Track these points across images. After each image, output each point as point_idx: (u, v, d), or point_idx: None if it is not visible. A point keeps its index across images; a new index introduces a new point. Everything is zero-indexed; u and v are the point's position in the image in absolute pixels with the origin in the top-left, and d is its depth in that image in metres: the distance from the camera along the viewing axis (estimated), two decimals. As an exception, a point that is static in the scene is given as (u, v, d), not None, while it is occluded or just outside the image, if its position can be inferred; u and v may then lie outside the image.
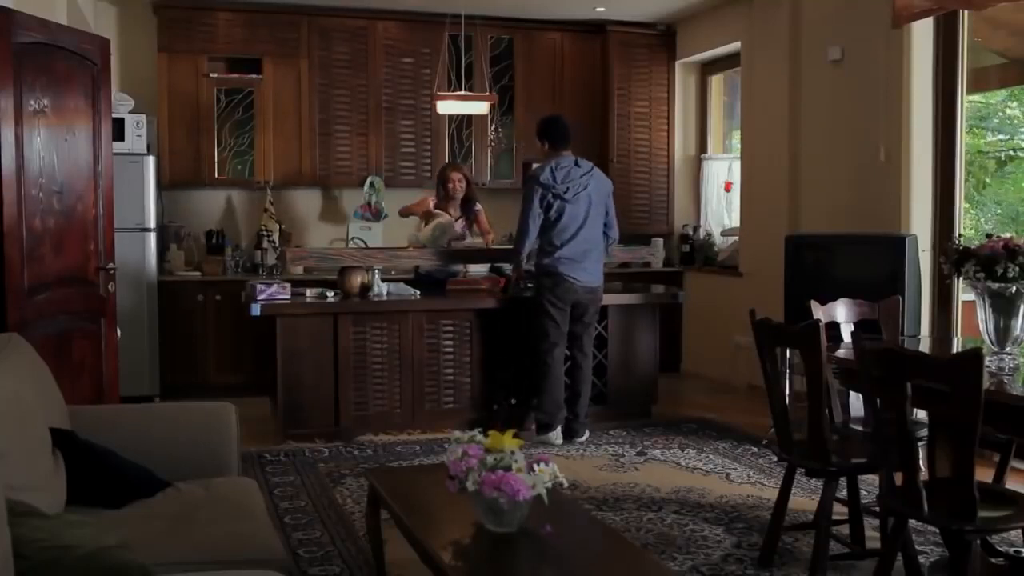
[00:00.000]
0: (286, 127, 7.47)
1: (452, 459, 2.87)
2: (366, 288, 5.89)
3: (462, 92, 7.19)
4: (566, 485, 2.86)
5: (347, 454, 5.39)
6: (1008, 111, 9.73)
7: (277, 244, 7.28)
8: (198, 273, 7.17)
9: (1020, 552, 3.49)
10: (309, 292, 5.85)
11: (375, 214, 7.69)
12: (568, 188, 5.59)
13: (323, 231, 7.83)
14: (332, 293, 5.84)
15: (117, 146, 6.58)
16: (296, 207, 7.72)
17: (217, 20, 7.29)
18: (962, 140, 5.72)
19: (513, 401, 6.02)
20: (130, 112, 6.72)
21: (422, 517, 3.03)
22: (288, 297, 5.72)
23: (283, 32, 7.43)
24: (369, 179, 7.64)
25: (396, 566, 3.51)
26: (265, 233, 7.31)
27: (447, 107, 6.97)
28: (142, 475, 3.07)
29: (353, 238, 7.65)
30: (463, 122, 7.87)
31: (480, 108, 7.15)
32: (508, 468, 2.79)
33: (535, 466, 2.79)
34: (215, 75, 7.32)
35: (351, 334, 5.74)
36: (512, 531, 2.76)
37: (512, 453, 2.85)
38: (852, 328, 4.01)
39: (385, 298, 5.89)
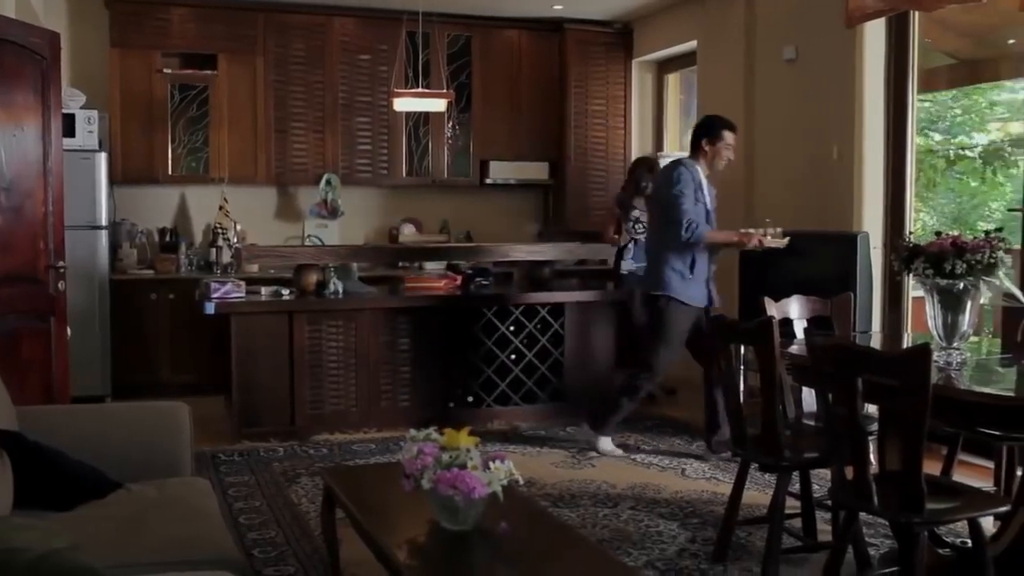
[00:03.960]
0: (241, 124, 7.40)
1: (407, 457, 2.86)
2: (322, 286, 5.85)
3: (419, 89, 7.17)
4: (522, 482, 2.86)
5: (302, 453, 5.36)
6: (957, 111, 9.89)
7: (232, 242, 7.20)
8: (151, 271, 7.08)
9: (966, 543, 3.55)
10: (264, 290, 5.80)
11: (331, 212, 7.65)
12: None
13: (279, 229, 7.77)
14: (287, 291, 5.80)
15: (68, 142, 6.46)
16: (252, 205, 7.64)
17: (171, 15, 7.20)
18: (913, 139, 5.81)
19: (470, 399, 6.02)
20: (81, 108, 6.62)
21: (377, 516, 3.01)
22: (243, 295, 5.67)
23: (238, 28, 7.36)
24: (325, 177, 7.59)
25: (351, 565, 3.50)
26: (220, 231, 7.23)
27: (404, 104, 6.95)
28: (92, 476, 3.03)
29: (309, 236, 7.61)
30: (420, 119, 7.85)
31: (437, 106, 7.14)
32: (463, 466, 2.78)
33: (490, 464, 2.79)
34: (169, 71, 7.23)
35: (306, 332, 5.70)
36: (468, 529, 2.76)
37: (468, 451, 2.84)
38: (805, 324, 4.06)
39: (341, 296, 5.85)
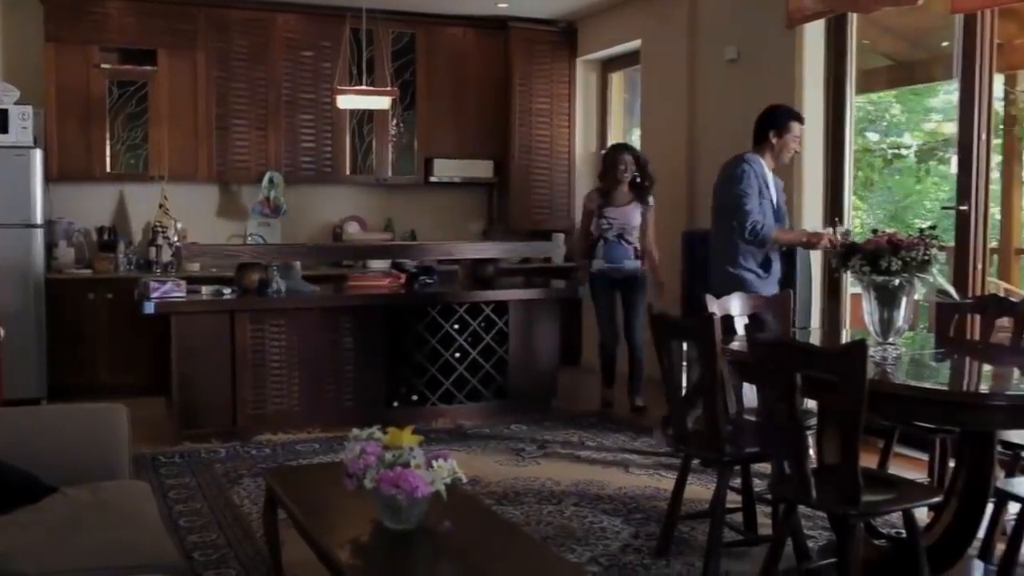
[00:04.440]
0: (182, 121, 7.29)
1: (350, 457, 2.85)
2: (264, 285, 5.79)
3: (363, 87, 7.12)
4: (465, 481, 2.86)
5: (244, 454, 5.30)
6: (894, 111, 10.09)
7: (172, 241, 7.09)
8: (89, 271, 6.95)
9: (901, 534, 3.62)
10: (205, 289, 5.72)
11: (274, 210, 7.57)
12: None
13: (221, 227, 7.66)
14: (229, 290, 5.73)
15: (1, 139, 6.36)
16: (192, 203, 7.52)
17: (108, 9, 7.07)
18: (851, 139, 5.91)
19: (414, 398, 6.00)
20: (15, 103, 6.46)
21: (319, 516, 2.99)
22: (183, 295, 5.59)
23: (178, 23, 7.25)
24: (268, 174, 7.51)
25: (294, 566, 3.46)
26: (160, 229, 7.12)
27: (347, 102, 6.90)
28: (27, 480, 2.96)
29: (251, 234, 7.52)
30: (364, 117, 7.80)
31: (381, 103, 7.10)
32: (406, 465, 2.78)
33: (433, 462, 2.79)
34: (107, 66, 7.10)
35: (249, 332, 5.64)
36: (411, 528, 2.75)
37: (411, 450, 2.84)
38: (746, 321, 4.11)
39: (284, 295, 5.80)
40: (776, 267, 4.97)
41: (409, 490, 2.68)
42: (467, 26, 8.08)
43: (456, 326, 6.06)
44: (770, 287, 4.85)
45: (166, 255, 7.07)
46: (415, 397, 6.02)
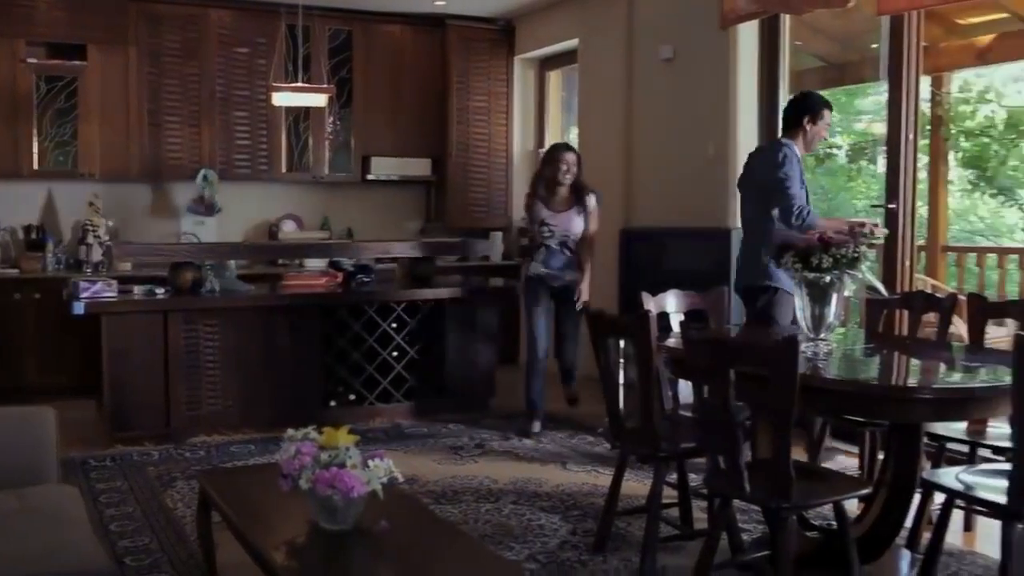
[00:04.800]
0: (113, 117, 7.14)
1: (285, 457, 2.82)
2: (198, 284, 5.70)
3: (299, 84, 7.05)
4: (402, 480, 2.85)
5: (178, 456, 5.21)
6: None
7: (103, 240, 6.95)
8: (15, 270, 6.78)
9: (833, 525, 3.69)
10: (137, 289, 5.61)
11: (208, 208, 7.46)
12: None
13: (153, 226, 7.52)
14: (162, 290, 5.63)
15: (-79, 135, 6.16)
16: (124, 201, 7.38)
17: (36, 2, 6.89)
18: (784, 138, 6.00)
19: (352, 397, 5.96)
20: (-63, 98, 6.28)
21: (254, 518, 2.96)
22: (114, 294, 5.48)
23: (109, 17, 7.09)
24: (202, 172, 7.40)
25: (228, 569, 3.41)
26: (90, 228, 6.97)
27: (283, 99, 6.82)
28: (-52, 485, 2.88)
29: (185, 233, 7.40)
30: (300, 114, 7.72)
31: (317, 100, 7.04)
32: (342, 465, 2.76)
33: (370, 462, 2.78)
34: (34, 60, 6.92)
35: (182, 332, 5.55)
36: (347, 528, 2.74)
37: (347, 449, 2.82)
38: (681, 318, 4.16)
39: (218, 294, 5.71)
40: None
41: (345, 490, 2.66)
42: (404, 23, 8.05)
43: (394, 325, 6.03)
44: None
45: (96, 254, 6.93)
46: (352, 396, 5.98)
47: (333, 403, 5.91)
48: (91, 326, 5.60)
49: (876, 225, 4.63)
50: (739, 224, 5.79)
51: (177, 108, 7.35)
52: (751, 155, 5.04)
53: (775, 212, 4.63)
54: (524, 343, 6.61)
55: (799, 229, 4.52)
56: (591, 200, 5.75)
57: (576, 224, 5.70)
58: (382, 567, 2.69)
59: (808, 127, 4.78)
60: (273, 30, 7.25)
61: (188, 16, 7.35)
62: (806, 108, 4.79)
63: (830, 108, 4.88)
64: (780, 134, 4.90)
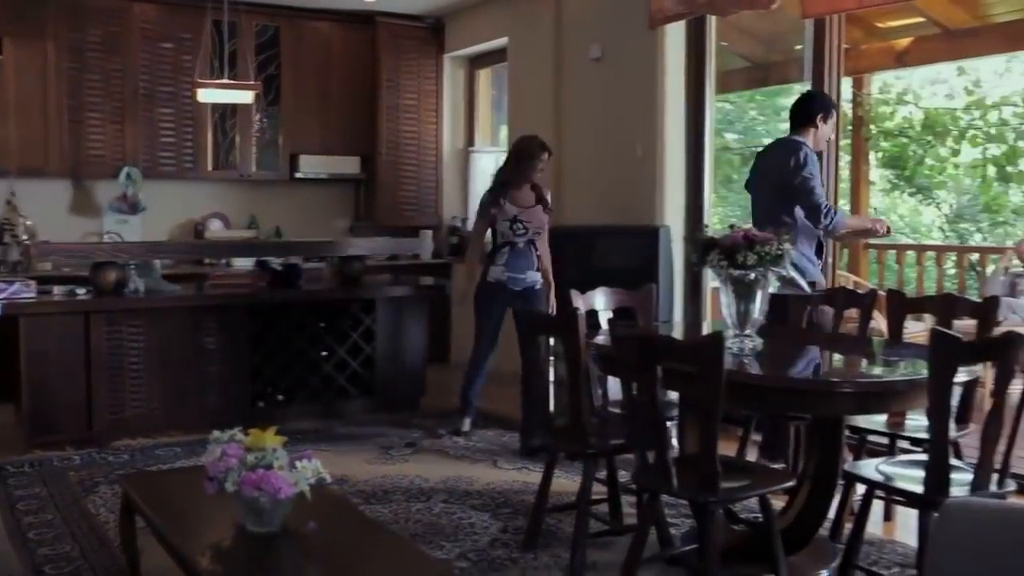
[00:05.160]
0: (31, 113, 6.95)
1: (211, 460, 2.78)
2: (122, 284, 5.58)
3: (225, 80, 6.94)
4: (331, 480, 2.83)
5: (101, 461, 5.09)
6: (751, 111, 10.47)
7: (21, 239, 6.76)
8: (-71, 271, 6.56)
9: (759, 518, 3.76)
10: (57, 290, 5.47)
11: (132, 206, 7.31)
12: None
13: (75, 225, 7.34)
14: (84, 290, 5.49)
15: None
16: (43, 199, 7.18)
17: (-53, -6, 6.69)
18: (711, 138, 6.09)
19: (280, 397, 5.89)
20: None
21: (179, 522, 2.91)
22: (33, 295, 5.34)
23: (26, 10, 6.90)
24: (125, 170, 7.24)
25: (152, 575, 3.35)
26: (7, 227, 6.77)
27: (209, 95, 6.70)
28: None
29: (108, 232, 7.23)
30: (227, 111, 7.61)
31: (244, 97, 6.93)
32: (269, 466, 2.73)
33: (297, 463, 2.75)
34: (-55, 54, 6.72)
35: (105, 333, 5.42)
36: (274, 530, 2.71)
37: (274, 451, 2.79)
38: (610, 315, 4.19)
39: (142, 295, 5.60)
40: (824, 252, 4.87)
41: (272, 492, 2.64)
42: (333, 20, 7.98)
43: (323, 324, 5.98)
44: (819, 273, 4.78)
45: (14, 254, 6.73)
46: (281, 397, 5.91)
47: (261, 404, 5.84)
48: (9, 328, 5.44)
49: (889, 225, 4.78)
50: (667, 222, 5.89)
51: (99, 104, 7.18)
52: (761, 155, 4.98)
53: (799, 212, 4.62)
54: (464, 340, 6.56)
55: (827, 228, 4.63)
56: (548, 195, 5.68)
57: (542, 220, 5.55)
58: (310, 568, 2.67)
59: (820, 125, 4.79)
60: (198, 25, 7.12)
61: (110, 9, 7.19)
62: (821, 106, 4.80)
63: (838, 109, 4.91)
64: (790, 132, 4.85)
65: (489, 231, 5.66)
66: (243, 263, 7.06)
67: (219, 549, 2.76)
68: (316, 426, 5.82)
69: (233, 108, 7.56)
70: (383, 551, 2.75)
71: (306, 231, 7.99)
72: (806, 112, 4.80)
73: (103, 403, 5.43)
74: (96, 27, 7.14)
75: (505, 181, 5.56)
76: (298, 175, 7.90)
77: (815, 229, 4.69)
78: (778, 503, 3.72)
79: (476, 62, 8.41)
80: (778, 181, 4.70)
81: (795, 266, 4.43)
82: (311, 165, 7.91)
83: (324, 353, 5.99)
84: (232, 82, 6.91)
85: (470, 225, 8.23)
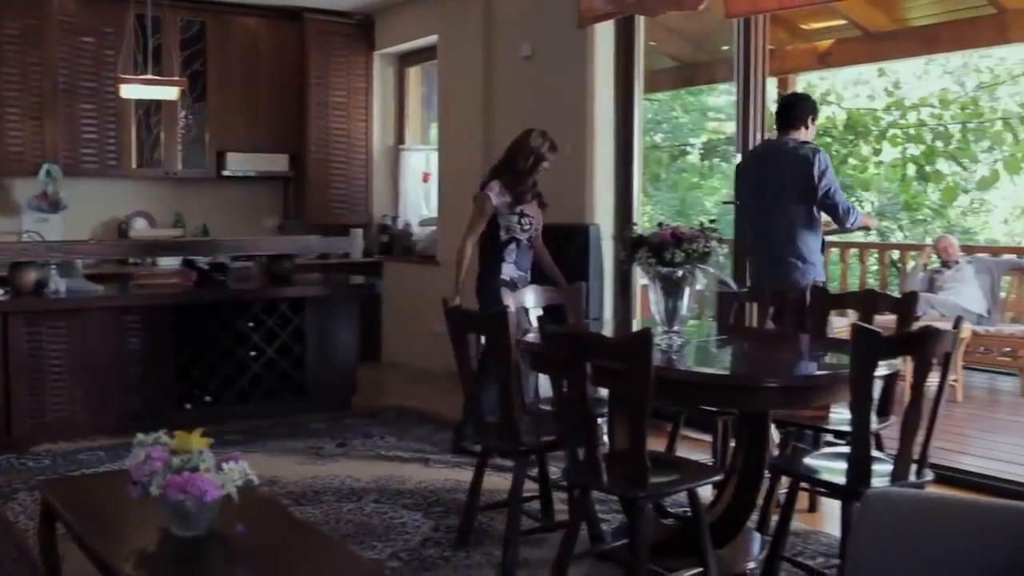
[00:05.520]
0: (-57, 108, 6.74)
1: (135, 463, 2.73)
2: (42, 285, 5.43)
3: (149, 76, 6.79)
4: (258, 482, 2.79)
5: (20, 466, 4.95)
6: (677, 111, 10.60)
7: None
8: None
9: (688, 512, 3.81)
10: (-27, 290, 5.31)
11: (52, 205, 7.11)
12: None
13: (-9, 223, 7.14)
14: (1, 291, 5.33)
15: None
16: (-42, 197, 6.98)
17: None
18: (640, 136, 6.15)
19: (208, 399, 5.80)
20: None
21: (102, 528, 2.84)
22: (-53, 296, 5.17)
23: (-63, 1, 6.69)
24: (45, 167, 7.05)
25: (75, 582, 3.27)
26: (-80, 226, 6.56)
27: (132, 91, 6.55)
28: None
29: (27, 231, 7.03)
30: (151, 108, 7.46)
31: (169, 93, 6.79)
32: (195, 469, 2.68)
33: (224, 465, 2.71)
34: None
35: (24, 335, 5.27)
36: (201, 534, 2.66)
37: (200, 453, 2.74)
38: (540, 313, 4.19)
39: (63, 295, 5.46)
40: (824, 250, 5.05)
41: (198, 495, 2.59)
42: (260, 16, 7.87)
43: (251, 324, 5.89)
44: (822, 271, 4.94)
45: (-72, 254, 6.51)
46: (209, 398, 5.81)
47: (188, 405, 5.73)
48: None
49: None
50: (597, 220, 5.93)
51: (17, 99, 6.98)
52: (768, 155, 4.97)
53: (818, 213, 4.75)
54: (401, 339, 6.52)
55: (851, 226, 4.85)
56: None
57: (540, 216, 5.22)
58: (237, 571, 2.63)
59: (810, 126, 4.91)
60: (120, 19, 6.96)
61: (27, 1, 6.98)
62: (811, 109, 4.94)
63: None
64: (779, 132, 4.92)
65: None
66: (169, 262, 6.93)
67: (143, 554, 2.70)
68: (245, 427, 5.73)
69: (158, 104, 7.41)
70: (313, 552, 2.72)
71: (234, 230, 7.87)
72: (799, 114, 4.89)
73: (22, 407, 5.28)
74: (13, 19, 6.94)
75: (518, 175, 5.09)
76: (225, 173, 7.78)
77: (819, 227, 4.83)
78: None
79: (406, 60, 8.37)
80: (802, 183, 4.74)
81: (807, 262, 4.76)
82: (239, 163, 7.79)
83: (253, 353, 5.91)
84: (156, 78, 6.77)
85: (401, 223, 8.23)
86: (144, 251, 7.07)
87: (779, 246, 4.82)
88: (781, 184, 4.82)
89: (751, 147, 5.34)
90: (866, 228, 5.71)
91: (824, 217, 4.84)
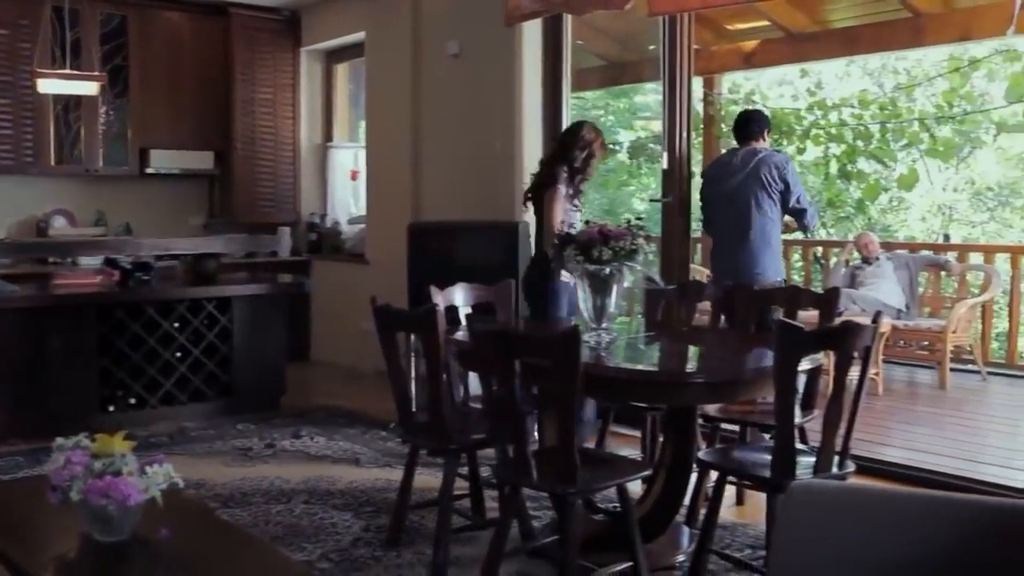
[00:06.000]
0: None
1: (54, 468, 2.65)
2: (-45, 285, 5.27)
3: (67, 70, 6.62)
4: (183, 485, 2.73)
5: (-66, 473, 4.80)
6: (603, 109, 10.68)
7: None
8: None
9: (618, 507, 3.84)
10: None
11: (-34, 203, 6.90)
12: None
13: (-99, 222, 6.90)
14: (-88, 292, 5.16)
15: None
16: None
17: None
18: (567, 135, 6.16)
19: (132, 401, 5.68)
20: None
21: (19, 536, 2.75)
22: None
23: None
24: (-42, 164, 6.84)
25: (-8, 592, 3.18)
26: None
27: (49, 86, 6.39)
28: None
29: (-60, 230, 6.82)
30: (70, 103, 7.27)
31: (88, 88, 6.63)
32: (118, 473, 2.62)
33: (148, 468, 2.65)
34: None
35: (-63, 337, 5.11)
36: (124, 539, 2.60)
37: (122, 456, 2.68)
38: (469, 311, 4.20)
39: (-21, 296, 5.30)
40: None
41: (120, 499, 2.53)
42: (184, 10, 7.73)
43: (176, 324, 5.78)
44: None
45: None
46: (133, 400, 5.69)
47: (112, 408, 5.61)
48: None
49: None
50: (525, 218, 5.93)
51: (-73, 93, 6.76)
52: (735, 162, 5.25)
53: (785, 216, 5.18)
54: (329, 339, 6.45)
55: (812, 227, 5.47)
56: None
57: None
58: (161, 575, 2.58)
59: (766, 137, 5.34)
60: (37, 11, 6.76)
61: (-63, -7, 6.77)
62: (767, 122, 5.48)
63: None
64: (739, 142, 5.33)
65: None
66: (90, 262, 6.76)
67: (64, 561, 2.63)
68: (171, 430, 5.63)
69: (77, 100, 7.23)
70: (240, 555, 2.68)
71: (158, 228, 7.71)
72: (757, 127, 5.32)
73: (-64, 412, 5.11)
74: (-77, 11, 6.72)
75: (575, 168, 4.89)
76: (149, 170, 7.62)
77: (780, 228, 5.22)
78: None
79: (333, 56, 8.29)
80: (774, 187, 5.12)
81: (776, 261, 5.22)
82: (162, 160, 7.64)
83: (178, 354, 5.80)
84: (75, 72, 6.60)
85: (329, 222, 8.15)
86: (64, 250, 6.90)
87: (762, 250, 5.15)
88: (754, 188, 5.14)
89: (677, 145, 5.43)
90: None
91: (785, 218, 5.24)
